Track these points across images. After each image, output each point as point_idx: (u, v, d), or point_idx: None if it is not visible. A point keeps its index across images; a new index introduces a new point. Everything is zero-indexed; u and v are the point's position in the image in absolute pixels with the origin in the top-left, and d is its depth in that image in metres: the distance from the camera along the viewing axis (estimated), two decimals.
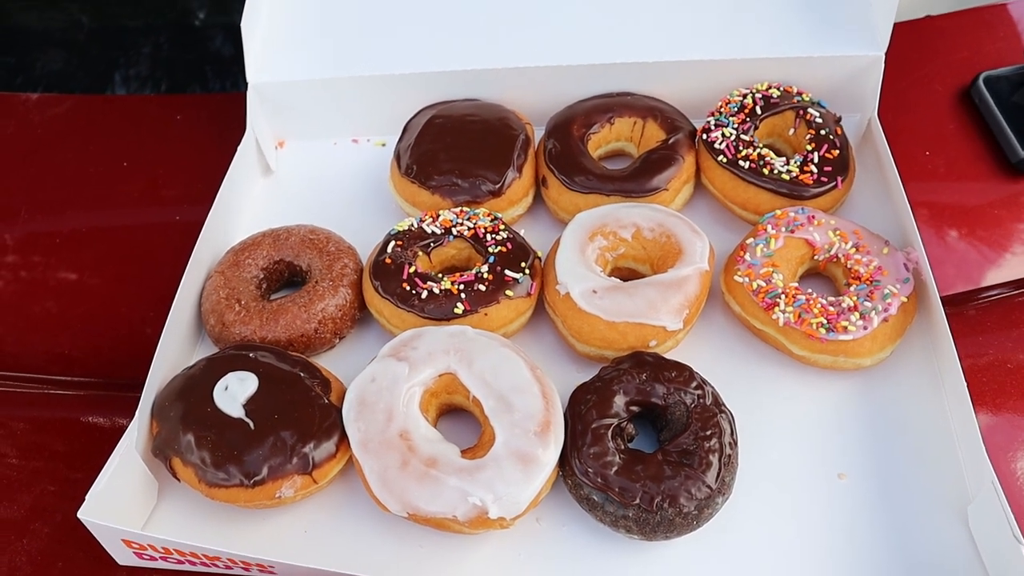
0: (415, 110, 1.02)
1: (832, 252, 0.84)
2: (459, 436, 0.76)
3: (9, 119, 1.12)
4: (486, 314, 0.81)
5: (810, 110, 0.93)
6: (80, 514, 0.67)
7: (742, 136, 0.92)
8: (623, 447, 0.73)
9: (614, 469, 0.70)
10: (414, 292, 0.82)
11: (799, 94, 0.95)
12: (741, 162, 0.89)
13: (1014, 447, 0.76)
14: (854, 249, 0.83)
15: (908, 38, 1.06)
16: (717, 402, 0.74)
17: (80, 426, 0.82)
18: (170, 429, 0.74)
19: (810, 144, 0.91)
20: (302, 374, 0.77)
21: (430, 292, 0.81)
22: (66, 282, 0.97)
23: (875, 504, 0.73)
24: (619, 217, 0.86)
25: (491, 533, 0.73)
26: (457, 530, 0.70)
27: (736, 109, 0.94)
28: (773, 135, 0.96)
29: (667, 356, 0.78)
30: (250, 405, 0.74)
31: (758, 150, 0.90)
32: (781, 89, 0.96)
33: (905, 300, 0.79)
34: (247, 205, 1.00)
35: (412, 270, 0.83)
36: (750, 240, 0.85)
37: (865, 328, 0.77)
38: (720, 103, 0.96)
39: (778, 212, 0.86)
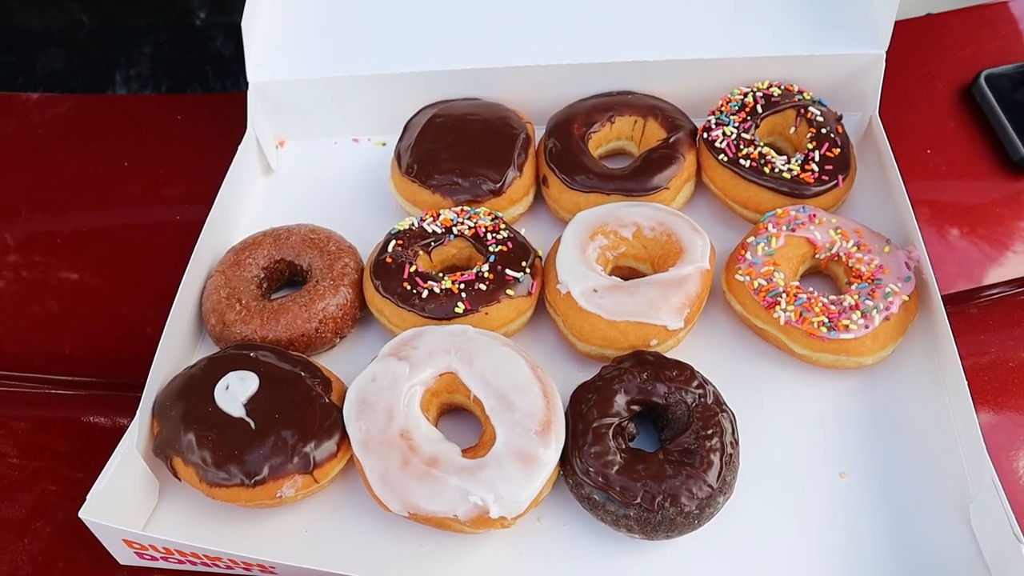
0: (415, 109, 1.02)
1: (833, 251, 0.84)
2: (460, 435, 0.76)
3: (10, 119, 1.12)
4: (487, 313, 0.81)
5: (811, 109, 0.93)
6: (81, 514, 0.67)
7: (743, 135, 0.91)
8: (624, 446, 0.73)
9: (615, 468, 0.70)
10: (415, 291, 0.82)
11: (800, 93, 0.95)
12: (742, 161, 0.89)
13: (1015, 446, 0.76)
14: (855, 248, 0.83)
15: (909, 36, 1.06)
16: (718, 401, 0.74)
17: (81, 426, 0.82)
18: (171, 429, 0.74)
19: (811, 143, 0.91)
20: (303, 373, 0.77)
21: (431, 291, 0.81)
22: (67, 282, 0.97)
23: (876, 503, 0.73)
24: (620, 216, 0.86)
25: (492, 532, 0.73)
26: (458, 529, 0.70)
27: (737, 108, 0.94)
28: (774, 134, 0.95)
29: (668, 355, 0.78)
30: (251, 404, 0.74)
31: (759, 149, 0.90)
32: (782, 88, 0.96)
33: (906, 299, 0.79)
34: (248, 204, 1.00)
35: (413, 269, 0.83)
36: (751, 239, 0.85)
37: (866, 327, 0.77)
38: (721, 102, 0.96)
39: (779, 211, 0.86)
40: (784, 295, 0.80)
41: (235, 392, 0.75)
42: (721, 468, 0.70)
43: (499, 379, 0.74)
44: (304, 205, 1.00)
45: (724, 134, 0.92)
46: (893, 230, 0.88)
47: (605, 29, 1.00)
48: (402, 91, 1.01)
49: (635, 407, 0.75)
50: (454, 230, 0.87)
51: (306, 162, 1.05)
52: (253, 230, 0.93)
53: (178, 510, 0.76)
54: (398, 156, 0.96)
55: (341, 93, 1.02)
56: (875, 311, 0.78)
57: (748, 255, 0.83)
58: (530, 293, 0.83)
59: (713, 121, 0.94)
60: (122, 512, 0.71)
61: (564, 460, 0.73)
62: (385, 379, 0.75)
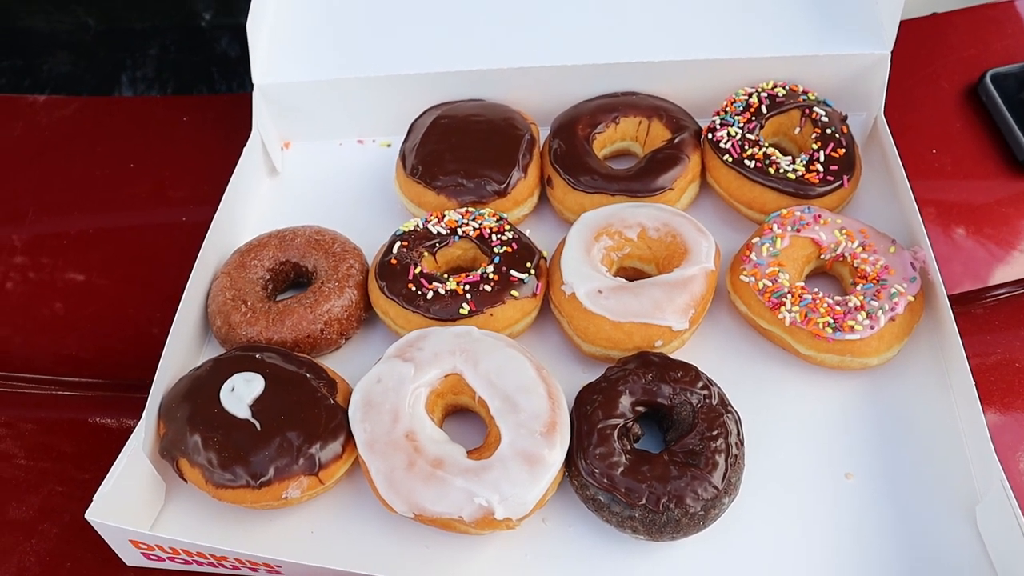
0: (420, 111, 1.02)
1: (838, 251, 0.84)
2: (465, 437, 0.76)
3: (17, 121, 1.13)
4: (492, 314, 0.81)
5: (816, 109, 0.92)
6: (88, 515, 0.67)
7: (748, 135, 0.91)
8: (629, 447, 0.73)
9: (620, 470, 0.70)
10: (420, 293, 0.82)
11: (805, 93, 0.95)
12: (747, 161, 0.89)
13: (1023, 447, 0.76)
14: (860, 248, 0.83)
15: (914, 36, 1.06)
16: (723, 402, 0.74)
17: (88, 427, 0.82)
18: (177, 430, 0.74)
19: (816, 143, 0.90)
20: (308, 375, 0.77)
21: (436, 293, 0.81)
22: (73, 283, 0.97)
23: (882, 504, 0.73)
24: (624, 217, 0.86)
25: (497, 534, 0.73)
26: (463, 531, 0.70)
27: (741, 108, 0.94)
28: (779, 134, 0.95)
29: (673, 356, 0.78)
30: (256, 406, 0.74)
31: (764, 149, 0.90)
32: (787, 88, 0.95)
33: (912, 299, 0.79)
34: (253, 206, 1.00)
35: (418, 271, 0.83)
36: (756, 239, 0.85)
37: (872, 327, 0.77)
38: (725, 102, 0.96)
39: (784, 211, 0.86)
40: (789, 296, 0.80)
41: (241, 393, 0.75)
42: (726, 469, 0.70)
43: (504, 380, 0.75)
44: (309, 207, 1.00)
45: (729, 134, 0.92)
46: (898, 230, 0.88)
47: (609, 30, 1.00)
48: (407, 92, 1.01)
49: (640, 408, 0.75)
50: (459, 231, 0.87)
51: (311, 164, 1.05)
52: (258, 232, 0.93)
53: (184, 511, 0.77)
54: (403, 157, 0.96)
55: (346, 95, 1.02)
56: (881, 312, 0.78)
57: (753, 256, 0.83)
58: (535, 294, 0.83)
59: (718, 122, 0.94)
60: (129, 513, 0.71)
61: (569, 461, 0.73)
62: (390, 380, 0.75)
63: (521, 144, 0.94)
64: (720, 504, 0.70)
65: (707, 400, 0.74)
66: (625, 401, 0.74)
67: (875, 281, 0.81)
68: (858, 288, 0.81)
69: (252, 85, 1.00)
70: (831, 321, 0.77)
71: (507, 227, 0.87)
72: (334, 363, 0.85)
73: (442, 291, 0.81)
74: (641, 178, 0.91)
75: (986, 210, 0.95)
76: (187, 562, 0.71)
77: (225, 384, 0.75)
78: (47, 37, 1.25)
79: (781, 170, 0.88)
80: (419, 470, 0.70)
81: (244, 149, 0.97)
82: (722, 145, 0.91)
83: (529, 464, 0.70)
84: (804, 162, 0.89)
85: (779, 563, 0.71)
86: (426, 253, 0.86)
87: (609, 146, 0.99)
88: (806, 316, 0.78)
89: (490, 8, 1.03)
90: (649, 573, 0.71)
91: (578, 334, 0.81)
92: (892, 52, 0.94)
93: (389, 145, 1.06)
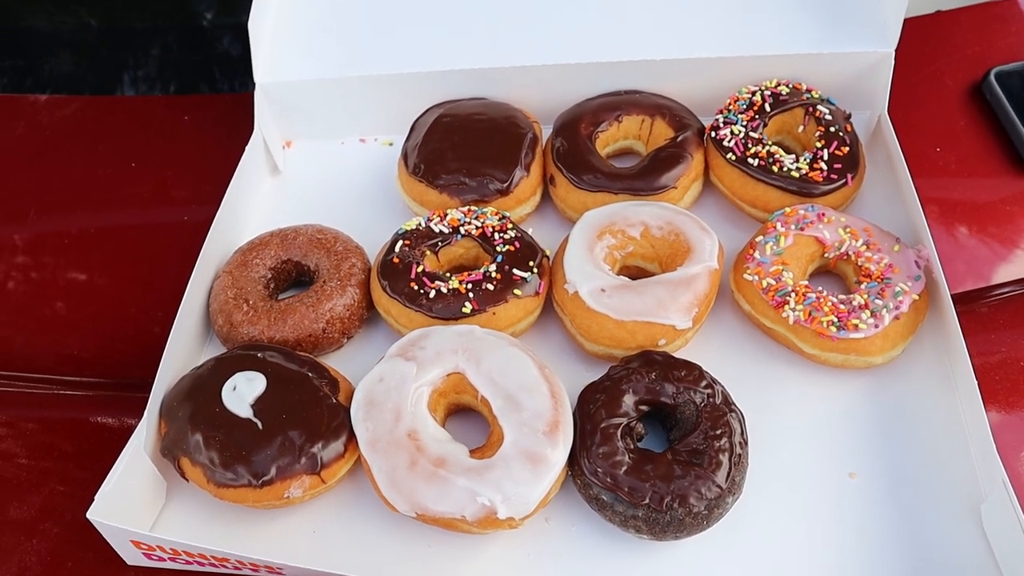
0: (422, 109, 1.02)
1: (842, 250, 0.83)
2: (467, 436, 0.75)
3: (18, 120, 1.13)
4: (494, 313, 0.81)
5: (819, 107, 0.92)
6: (89, 515, 0.67)
7: (751, 133, 0.91)
8: (632, 447, 0.72)
9: (623, 469, 0.70)
10: (422, 291, 0.81)
11: (808, 91, 0.95)
12: (750, 160, 0.89)
13: None
14: (864, 247, 0.83)
15: (918, 34, 1.05)
16: (727, 401, 0.74)
17: (89, 426, 0.82)
18: (178, 429, 0.74)
19: (820, 141, 0.90)
20: (310, 374, 0.77)
21: (438, 291, 0.81)
22: (75, 283, 0.97)
23: (886, 503, 0.73)
24: (627, 215, 0.86)
25: (500, 533, 0.72)
26: (466, 530, 0.70)
27: (745, 106, 0.94)
28: (782, 132, 0.95)
29: (676, 355, 0.78)
30: (258, 405, 0.74)
31: (767, 147, 0.90)
32: (790, 86, 0.95)
33: (916, 298, 0.79)
34: (255, 205, 1.00)
35: (420, 269, 0.83)
36: (759, 238, 0.84)
37: (876, 326, 0.77)
38: (729, 100, 0.96)
39: (787, 210, 0.85)
40: (793, 294, 0.79)
41: (242, 393, 0.75)
42: (730, 468, 0.70)
43: (507, 379, 0.74)
44: (311, 205, 1.00)
45: (732, 133, 0.91)
46: (902, 229, 0.88)
47: (612, 28, 1.00)
48: (409, 91, 1.01)
49: (643, 407, 0.74)
50: (461, 230, 0.87)
51: (313, 163, 1.05)
52: (260, 231, 0.93)
53: (186, 510, 0.76)
54: (405, 156, 0.96)
55: (348, 93, 1.02)
56: (885, 310, 0.77)
57: (756, 254, 0.83)
58: (537, 293, 0.83)
59: (721, 120, 0.94)
60: (130, 513, 0.71)
61: (572, 460, 0.73)
62: (392, 379, 0.75)
63: (524, 143, 0.94)
64: (724, 503, 0.70)
65: (711, 399, 0.73)
66: (628, 400, 0.74)
67: (879, 280, 0.81)
68: (862, 287, 0.81)
69: (254, 84, 1.00)
70: (835, 320, 0.77)
71: (509, 226, 0.87)
72: (336, 362, 0.84)
73: (444, 290, 0.81)
74: (644, 176, 0.91)
75: (990, 208, 0.95)
76: (188, 562, 0.71)
77: (227, 383, 0.75)
78: (49, 37, 1.25)
79: (785, 168, 0.88)
80: (421, 469, 0.70)
81: (246, 148, 0.97)
82: (725, 143, 0.91)
83: (532, 463, 0.70)
84: (808, 160, 0.89)
85: (783, 562, 0.71)
86: (428, 252, 0.86)
87: (612, 144, 0.99)
88: (810, 315, 0.78)
89: (492, 6, 1.02)
90: (652, 572, 0.71)
91: (581, 333, 0.81)
92: (896, 50, 0.94)
93: (391, 144, 1.06)
